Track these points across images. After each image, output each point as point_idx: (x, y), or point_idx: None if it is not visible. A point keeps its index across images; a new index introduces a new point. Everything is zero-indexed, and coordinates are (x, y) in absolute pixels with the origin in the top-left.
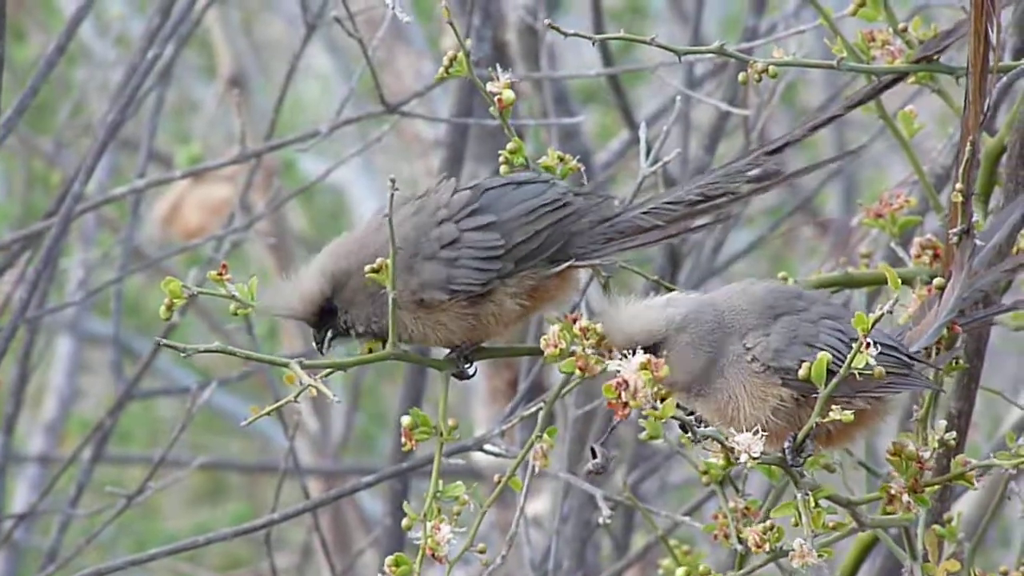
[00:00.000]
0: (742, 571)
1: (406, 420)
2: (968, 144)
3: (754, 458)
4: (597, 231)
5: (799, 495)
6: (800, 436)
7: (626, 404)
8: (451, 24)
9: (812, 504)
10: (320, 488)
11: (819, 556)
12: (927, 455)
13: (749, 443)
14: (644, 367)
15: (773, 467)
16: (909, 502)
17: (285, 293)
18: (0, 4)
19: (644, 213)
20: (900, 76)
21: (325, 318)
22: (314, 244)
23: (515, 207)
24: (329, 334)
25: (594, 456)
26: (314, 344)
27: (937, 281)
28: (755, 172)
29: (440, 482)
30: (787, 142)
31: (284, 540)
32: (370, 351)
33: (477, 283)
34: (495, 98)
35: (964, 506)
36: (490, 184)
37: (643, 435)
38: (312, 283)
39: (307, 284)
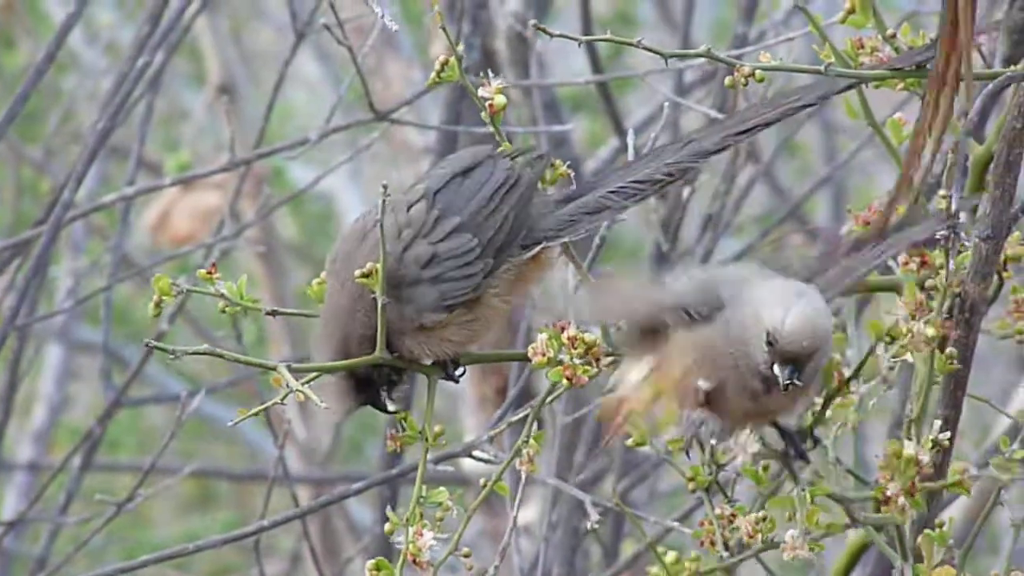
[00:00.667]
0: (734, 558)
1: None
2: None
3: (755, 455)
4: (563, 213)
5: (796, 490)
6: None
7: (622, 425)
8: (443, 29)
9: (808, 500)
10: (309, 496)
11: (810, 550)
12: (926, 458)
13: (745, 442)
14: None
15: (761, 473)
16: (904, 504)
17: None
18: None
19: (611, 192)
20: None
21: (364, 384)
22: (303, 252)
23: (473, 200)
24: (383, 390)
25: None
26: (385, 410)
27: (929, 283)
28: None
29: (424, 488)
30: (758, 124)
31: (273, 548)
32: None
33: (469, 289)
34: (486, 103)
35: (954, 512)
36: (438, 185)
37: (630, 441)
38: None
39: (332, 385)
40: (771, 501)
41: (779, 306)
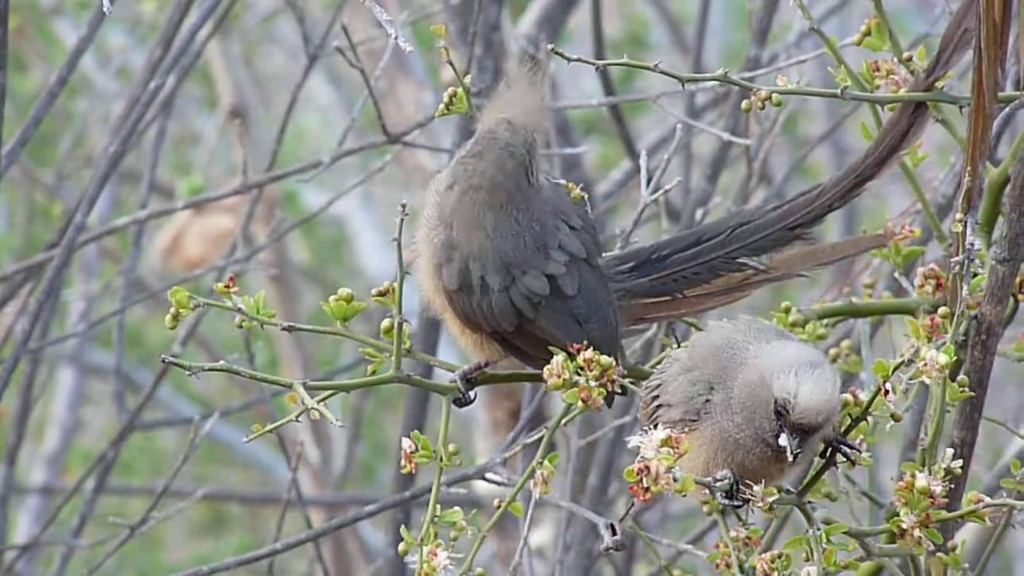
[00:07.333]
0: None
1: (406, 443)
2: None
3: (768, 509)
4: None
5: (811, 531)
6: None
7: (647, 489)
8: (451, 64)
9: (824, 540)
10: (322, 519)
11: None
12: (939, 489)
13: (762, 493)
14: (666, 443)
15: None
16: (920, 537)
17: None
18: (2, 35)
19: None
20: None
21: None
22: (315, 275)
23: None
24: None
25: (613, 533)
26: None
27: (942, 310)
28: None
29: (438, 508)
30: (814, 217)
31: (286, 571)
32: (373, 373)
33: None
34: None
35: (967, 534)
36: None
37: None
38: None
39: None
40: (786, 544)
41: (791, 376)
